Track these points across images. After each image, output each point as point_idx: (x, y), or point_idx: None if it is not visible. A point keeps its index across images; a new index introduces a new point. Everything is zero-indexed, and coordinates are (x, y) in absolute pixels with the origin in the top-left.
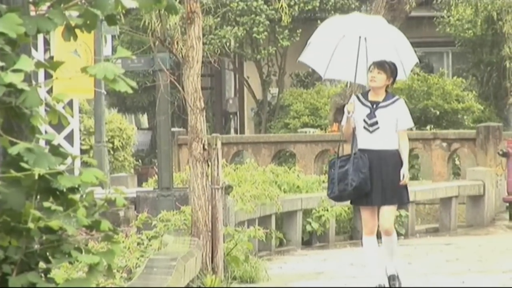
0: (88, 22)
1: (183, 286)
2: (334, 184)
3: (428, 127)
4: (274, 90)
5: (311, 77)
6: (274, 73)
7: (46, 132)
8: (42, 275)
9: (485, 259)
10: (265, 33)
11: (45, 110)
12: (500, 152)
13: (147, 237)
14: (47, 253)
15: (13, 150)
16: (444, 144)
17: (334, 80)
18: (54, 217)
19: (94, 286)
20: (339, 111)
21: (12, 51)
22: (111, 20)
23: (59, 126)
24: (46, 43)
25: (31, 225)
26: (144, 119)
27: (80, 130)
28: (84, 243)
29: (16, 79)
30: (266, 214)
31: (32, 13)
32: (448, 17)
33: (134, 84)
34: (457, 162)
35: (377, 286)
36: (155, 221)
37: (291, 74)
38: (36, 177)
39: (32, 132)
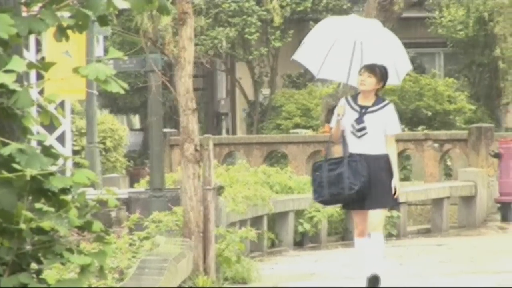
0: (80, 22)
1: (175, 287)
2: (323, 188)
3: (420, 128)
4: (266, 91)
5: (303, 78)
6: (266, 74)
7: (38, 132)
8: (34, 275)
9: (477, 260)
10: (257, 34)
11: (37, 111)
12: (492, 153)
13: (139, 238)
14: (39, 254)
15: (4, 151)
16: (436, 145)
17: (326, 80)
18: (46, 218)
19: (86, 286)
20: (331, 112)
21: (3, 51)
22: (103, 20)
23: (50, 127)
24: (38, 43)
25: (23, 226)
26: (136, 120)
27: (72, 131)
28: (76, 244)
29: (8, 79)
30: (258, 215)
31: (24, 14)
32: (440, 18)
33: (125, 85)
34: (449, 163)
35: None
36: (147, 222)
37: (283, 75)
38: (28, 178)
39: (24, 133)
